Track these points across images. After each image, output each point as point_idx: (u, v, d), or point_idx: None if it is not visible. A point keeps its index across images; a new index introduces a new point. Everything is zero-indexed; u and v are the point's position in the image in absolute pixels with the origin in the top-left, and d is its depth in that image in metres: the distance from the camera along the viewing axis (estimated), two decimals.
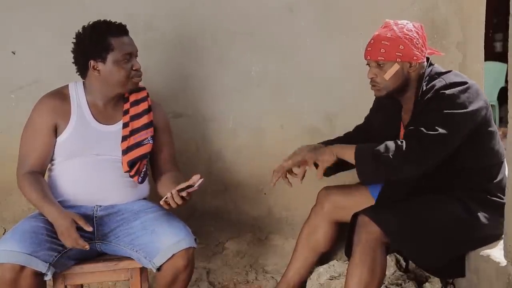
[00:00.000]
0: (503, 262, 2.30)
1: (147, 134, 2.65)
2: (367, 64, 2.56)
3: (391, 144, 2.39)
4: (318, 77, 3.16)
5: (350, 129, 2.89)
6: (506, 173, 2.59)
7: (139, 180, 2.64)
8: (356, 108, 2.85)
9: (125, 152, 2.60)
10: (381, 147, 2.39)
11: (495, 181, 2.55)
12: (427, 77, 2.52)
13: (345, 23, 3.12)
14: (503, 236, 2.57)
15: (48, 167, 2.65)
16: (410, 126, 2.45)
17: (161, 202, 2.42)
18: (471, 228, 2.49)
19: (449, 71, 2.54)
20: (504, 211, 2.32)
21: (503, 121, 8.23)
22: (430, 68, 2.55)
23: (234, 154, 3.22)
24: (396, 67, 2.49)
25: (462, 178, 2.53)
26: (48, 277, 2.38)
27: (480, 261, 2.48)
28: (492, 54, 8.31)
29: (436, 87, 2.45)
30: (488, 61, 4.38)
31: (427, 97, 2.45)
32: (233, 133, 3.20)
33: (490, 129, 2.53)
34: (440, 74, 2.52)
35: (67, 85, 2.67)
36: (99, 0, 3.09)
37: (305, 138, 3.18)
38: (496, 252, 2.42)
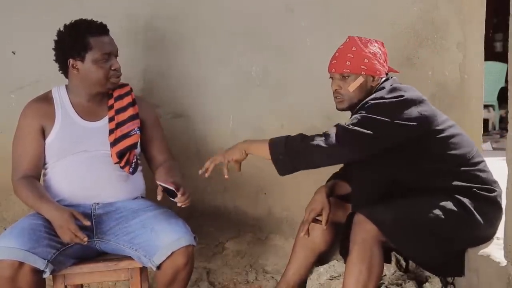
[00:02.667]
0: (503, 262, 2.30)
1: (133, 125, 2.67)
2: (330, 77, 2.64)
3: (310, 135, 2.45)
4: (318, 77, 3.15)
5: None
6: (490, 168, 2.63)
7: (130, 170, 2.65)
8: None
9: (113, 144, 2.62)
10: (296, 136, 2.45)
11: (480, 174, 2.56)
12: (375, 91, 2.59)
13: (345, 23, 3.12)
14: (498, 233, 2.59)
15: (42, 172, 2.66)
16: None
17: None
18: (465, 223, 2.49)
19: (390, 86, 2.57)
20: (504, 212, 2.32)
21: (503, 121, 8.25)
22: (382, 82, 2.62)
23: None
24: (360, 79, 2.58)
25: (434, 178, 2.54)
26: (46, 274, 2.38)
27: (480, 261, 2.48)
28: (492, 54, 8.31)
29: (367, 99, 2.54)
30: (488, 61, 4.38)
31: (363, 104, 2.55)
32: (233, 133, 3.20)
33: (438, 136, 2.53)
34: (382, 89, 2.58)
35: (50, 90, 2.72)
36: (99, 0, 3.09)
37: None
38: (496, 252, 2.42)
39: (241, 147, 2.56)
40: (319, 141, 2.41)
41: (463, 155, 2.57)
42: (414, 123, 2.46)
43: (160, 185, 2.45)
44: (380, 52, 2.62)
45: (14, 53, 3.12)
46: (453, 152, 2.55)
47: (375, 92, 2.58)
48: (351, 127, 2.41)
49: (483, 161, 2.64)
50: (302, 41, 3.17)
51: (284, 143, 2.46)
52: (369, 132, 2.40)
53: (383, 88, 2.58)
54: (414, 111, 2.47)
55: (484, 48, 3.21)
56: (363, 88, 2.59)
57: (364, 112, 2.47)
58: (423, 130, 2.49)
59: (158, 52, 3.16)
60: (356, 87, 2.58)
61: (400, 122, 2.44)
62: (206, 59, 3.17)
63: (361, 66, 2.56)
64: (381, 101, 2.48)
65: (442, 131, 2.55)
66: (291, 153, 2.44)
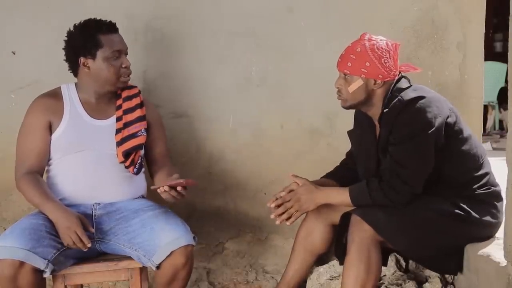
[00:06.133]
0: (503, 262, 2.30)
1: (140, 126, 2.68)
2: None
3: (386, 190, 2.47)
4: (318, 77, 3.16)
5: (350, 128, 2.89)
6: (491, 169, 2.63)
7: (135, 171, 2.65)
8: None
9: (119, 143, 2.63)
10: (379, 195, 2.47)
11: (480, 181, 2.56)
12: (390, 95, 2.54)
13: (345, 23, 3.12)
14: (498, 233, 2.59)
15: (46, 168, 2.65)
16: (384, 154, 2.53)
17: (153, 188, 2.47)
18: (460, 219, 2.50)
19: (409, 87, 2.56)
20: (504, 211, 2.32)
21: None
22: (395, 85, 2.56)
23: (234, 154, 3.22)
24: (359, 82, 2.52)
25: (443, 183, 2.55)
26: (46, 274, 2.39)
27: (480, 261, 2.48)
28: (492, 54, 8.31)
29: (395, 106, 2.49)
30: (488, 61, 4.38)
31: (389, 116, 2.50)
32: (233, 133, 3.20)
33: (460, 136, 2.54)
34: (400, 90, 2.54)
35: (60, 87, 2.71)
36: (99, 1, 3.09)
37: (305, 138, 3.19)
38: (496, 252, 2.42)
39: (317, 202, 2.63)
40: (395, 195, 2.46)
41: (478, 155, 2.58)
42: (443, 124, 2.48)
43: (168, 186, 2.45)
44: (388, 55, 2.51)
45: (14, 53, 3.11)
46: (471, 152, 2.56)
47: (387, 97, 2.54)
48: (408, 167, 2.44)
49: (489, 164, 2.64)
50: (302, 41, 3.16)
51: (370, 198, 2.50)
52: (422, 155, 2.45)
53: (395, 92, 2.53)
54: (443, 109, 2.49)
55: (484, 48, 3.21)
56: (363, 90, 2.53)
57: (401, 135, 2.46)
58: (451, 128, 2.51)
59: (158, 52, 3.16)
60: (355, 89, 2.53)
61: (437, 125, 2.45)
62: (206, 59, 3.17)
63: (362, 69, 2.50)
64: (411, 114, 2.46)
65: (462, 130, 2.56)
66: (374, 202, 2.50)
